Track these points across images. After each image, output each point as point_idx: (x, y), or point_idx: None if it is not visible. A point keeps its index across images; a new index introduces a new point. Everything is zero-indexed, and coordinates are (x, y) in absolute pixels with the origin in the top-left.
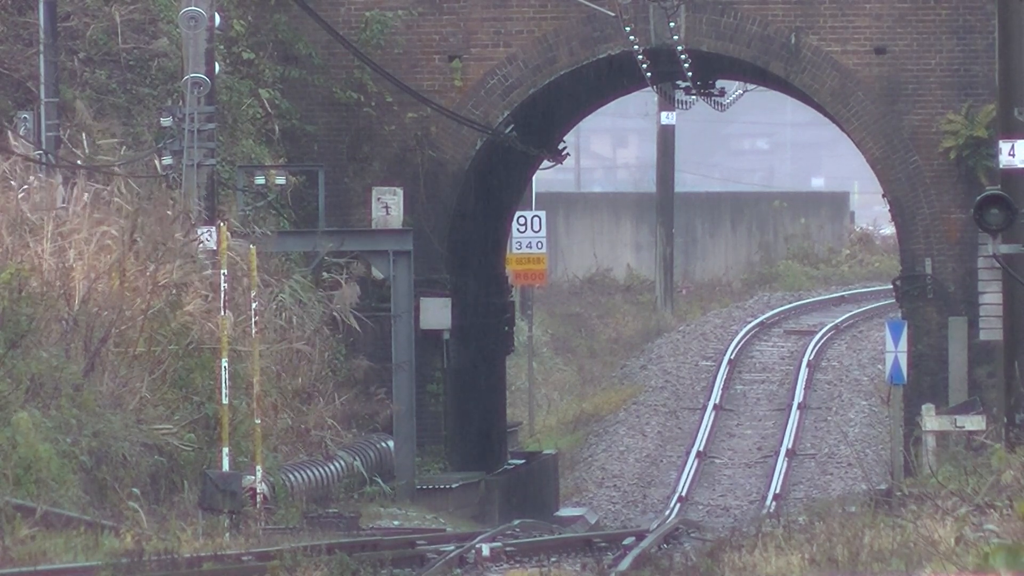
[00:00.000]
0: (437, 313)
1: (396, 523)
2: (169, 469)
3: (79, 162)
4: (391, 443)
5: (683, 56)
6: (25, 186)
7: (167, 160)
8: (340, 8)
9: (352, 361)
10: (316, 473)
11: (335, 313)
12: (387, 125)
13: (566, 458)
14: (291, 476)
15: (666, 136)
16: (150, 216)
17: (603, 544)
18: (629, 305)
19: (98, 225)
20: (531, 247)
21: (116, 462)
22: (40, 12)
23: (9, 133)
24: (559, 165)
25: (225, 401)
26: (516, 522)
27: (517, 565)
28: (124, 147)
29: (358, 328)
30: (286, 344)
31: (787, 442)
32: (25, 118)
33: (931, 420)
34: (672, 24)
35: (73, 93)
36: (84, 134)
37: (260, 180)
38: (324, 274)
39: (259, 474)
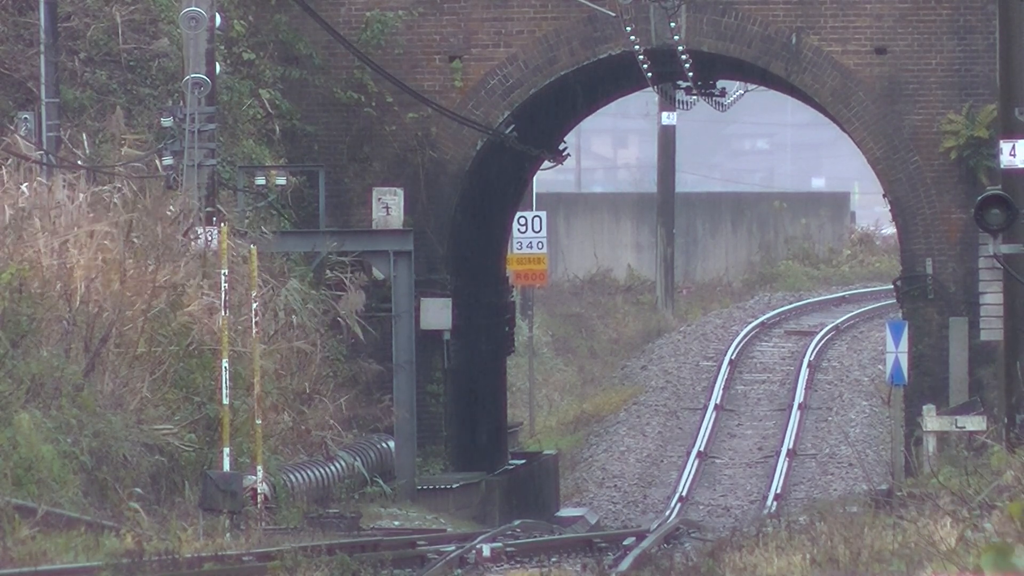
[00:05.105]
0: (438, 313)
1: (397, 523)
2: (170, 469)
3: (79, 162)
4: (392, 443)
5: (684, 56)
6: (25, 184)
7: (168, 160)
8: (340, 8)
9: (354, 362)
10: (317, 474)
11: (339, 319)
12: (388, 125)
13: (566, 458)
14: (292, 476)
15: (667, 136)
16: (151, 216)
17: (603, 544)
18: (630, 305)
19: (97, 224)
20: (532, 247)
21: (117, 462)
22: (41, 12)
23: (16, 137)
24: (559, 165)
25: (226, 401)
26: (516, 522)
27: (518, 565)
28: (124, 147)
29: (362, 337)
30: (287, 344)
31: (788, 442)
32: (26, 118)
33: (932, 421)
34: (673, 24)
35: (78, 96)
36: (84, 135)
37: (260, 180)
38: (327, 272)
39: (260, 474)
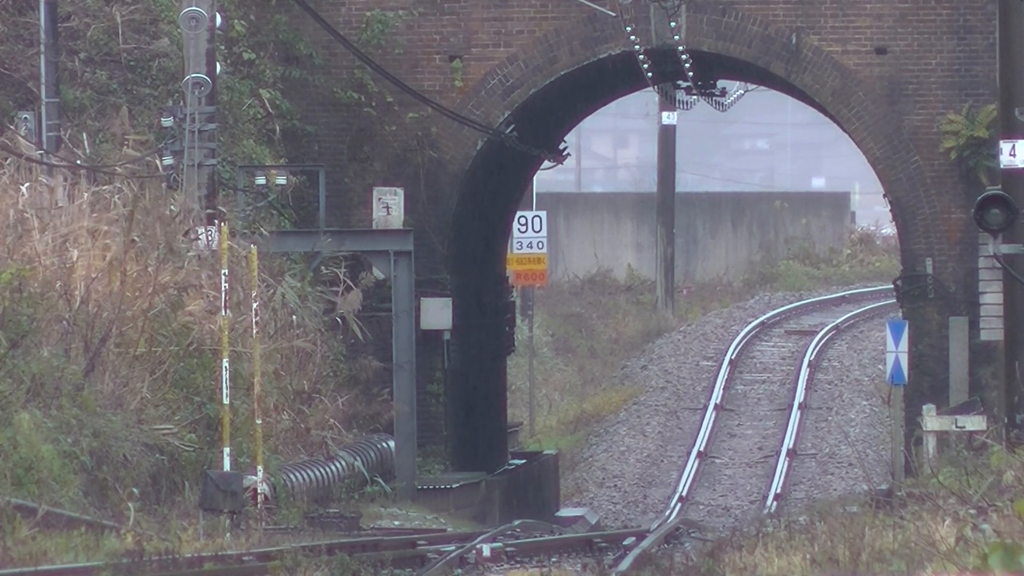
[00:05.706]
0: (438, 313)
1: (397, 523)
2: (170, 469)
3: (79, 162)
4: (392, 443)
5: (684, 56)
6: (25, 184)
7: (168, 160)
8: (341, 8)
9: (354, 361)
10: (317, 473)
11: (337, 319)
12: (388, 125)
13: (567, 458)
14: (292, 476)
15: (667, 136)
16: (151, 216)
17: (604, 544)
18: (630, 305)
19: (97, 223)
20: (532, 247)
21: (117, 462)
22: (41, 12)
23: (16, 137)
24: (560, 165)
25: (226, 401)
26: (516, 522)
27: (518, 565)
28: (126, 147)
29: (359, 337)
30: (287, 343)
31: (788, 442)
32: (26, 118)
33: (932, 420)
34: (673, 24)
35: (78, 96)
36: (85, 134)
37: (261, 180)
38: (323, 269)
39: (260, 474)
